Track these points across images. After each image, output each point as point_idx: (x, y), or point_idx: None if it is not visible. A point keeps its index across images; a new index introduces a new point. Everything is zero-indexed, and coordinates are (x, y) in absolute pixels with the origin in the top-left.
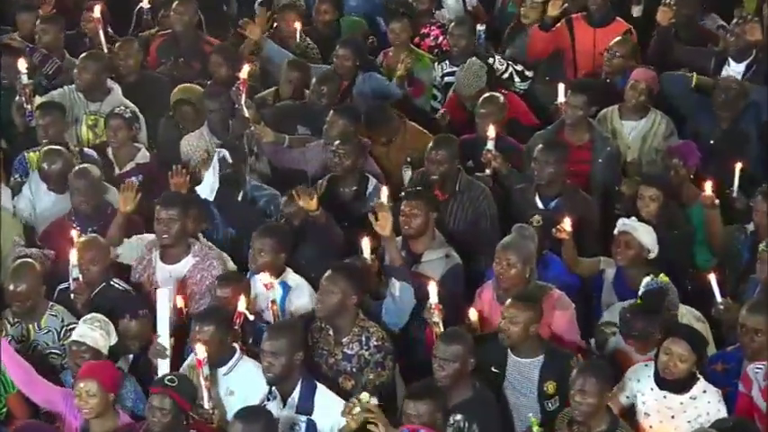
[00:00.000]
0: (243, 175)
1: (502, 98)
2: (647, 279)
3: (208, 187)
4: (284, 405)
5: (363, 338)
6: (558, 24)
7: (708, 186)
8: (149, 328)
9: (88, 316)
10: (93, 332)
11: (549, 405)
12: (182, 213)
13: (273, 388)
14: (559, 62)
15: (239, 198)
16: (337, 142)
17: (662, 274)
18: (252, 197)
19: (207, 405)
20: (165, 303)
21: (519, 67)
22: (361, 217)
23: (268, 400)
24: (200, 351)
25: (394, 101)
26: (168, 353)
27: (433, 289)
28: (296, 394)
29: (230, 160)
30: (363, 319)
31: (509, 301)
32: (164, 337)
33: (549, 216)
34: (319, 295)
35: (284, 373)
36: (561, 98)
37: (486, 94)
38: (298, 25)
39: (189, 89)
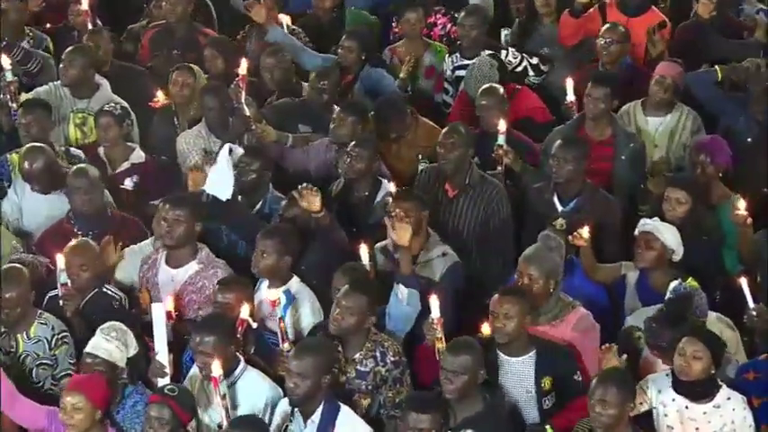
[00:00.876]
0: (266, 184)
1: (501, 89)
2: (674, 283)
3: (222, 185)
4: (305, 426)
5: (378, 354)
6: (591, 10)
7: (741, 204)
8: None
9: (105, 325)
10: (109, 343)
11: (547, 402)
12: (189, 215)
13: (295, 410)
14: (588, 50)
15: (256, 208)
16: (353, 143)
17: (690, 279)
18: (270, 210)
19: (224, 424)
20: (162, 318)
21: (534, 60)
22: (369, 224)
23: (290, 421)
24: (216, 368)
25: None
26: (168, 371)
27: (434, 303)
28: (317, 416)
29: (240, 151)
30: (375, 332)
31: (496, 297)
32: (162, 354)
33: (572, 218)
34: (337, 313)
35: (309, 395)
36: (570, 95)
37: (485, 86)
38: (285, 18)
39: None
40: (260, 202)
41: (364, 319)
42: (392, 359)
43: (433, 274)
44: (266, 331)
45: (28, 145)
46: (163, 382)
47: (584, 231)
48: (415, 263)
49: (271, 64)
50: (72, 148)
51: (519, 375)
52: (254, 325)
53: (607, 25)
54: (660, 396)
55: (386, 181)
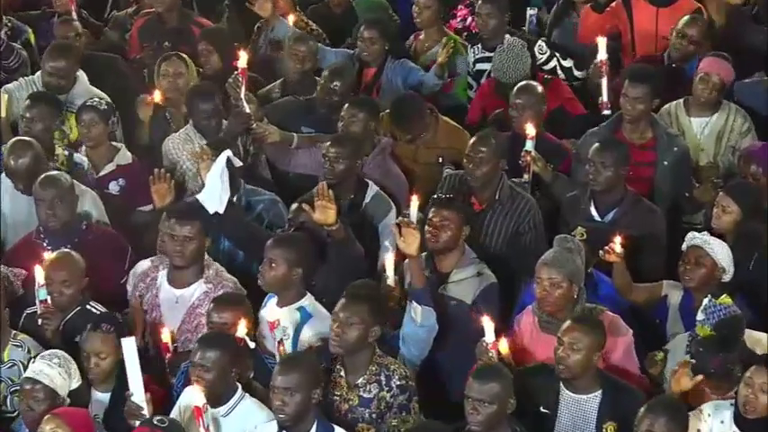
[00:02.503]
0: (238, 179)
1: (540, 87)
2: (705, 301)
3: (215, 197)
4: None
5: (383, 378)
6: (614, 3)
7: None
8: (115, 351)
9: (47, 351)
10: (51, 369)
11: None
12: (200, 231)
13: None
14: (614, 47)
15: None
16: (327, 144)
17: (724, 295)
18: (247, 202)
19: None
20: (134, 354)
21: (567, 63)
22: (358, 231)
23: None
24: (199, 396)
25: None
26: (145, 412)
27: (488, 325)
28: None
29: (238, 163)
30: (381, 354)
31: (568, 323)
32: (137, 395)
33: (597, 228)
34: (336, 328)
35: (299, 413)
36: (602, 54)
37: (522, 83)
38: (290, 19)
39: None
40: (234, 197)
41: (367, 332)
42: (398, 383)
43: (465, 296)
44: (266, 354)
45: (14, 139)
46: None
47: (617, 244)
48: (447, 281)
49: (303, 52)
50: (76, 154)
51: (579, 415)
52: (252, 345)
53: (687, 17)
54: (722, 427)
55: (378, 189)
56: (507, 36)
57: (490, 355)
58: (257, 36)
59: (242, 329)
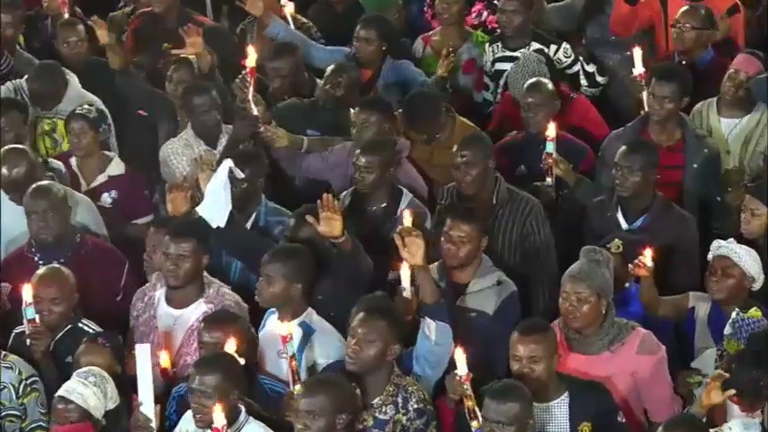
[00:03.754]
0: (259, 194)
1: (551, 84)
2: (733, 315)
3: (217, 210)
4: None
5: (400, 399)
6: None
7: None
8: (110, 367)
9: (83, 369)
10: (86, 389)
11: None
12: (197, 248)
13: None
14: (647, 42)
15: (249, 223)
16: (358, 151)
17: (754, 308)
18: (265, 222)
19: None
20: (147, 362)
21: (590, 68)
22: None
23: None
24: (219, 417)
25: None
26: (154, 424)
27: (460, 356)
28: None
29: (240, 174)
30: (399, 374)
31: (516, 335)
32: (147, 406)
33: (632, 239)
34: (354, 345)
35: None
36: (639, 67)
37: (532, 81)
38: (288, 7)
39: None
40: (253, 216)
41: (386, 350)
42: (415, 406)
43: (485, 306)
44: (263, 375)
45: (7, 147)
46: None
47: (648, 257)
48: (465, 292)
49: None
50: (52, 160)
51: (550, 421)
52: (242, 361)
53: (685, 7)
54: None
55: (412, 196)
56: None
57: (464, 387)
58: (242, 36)
59: (230, 347)
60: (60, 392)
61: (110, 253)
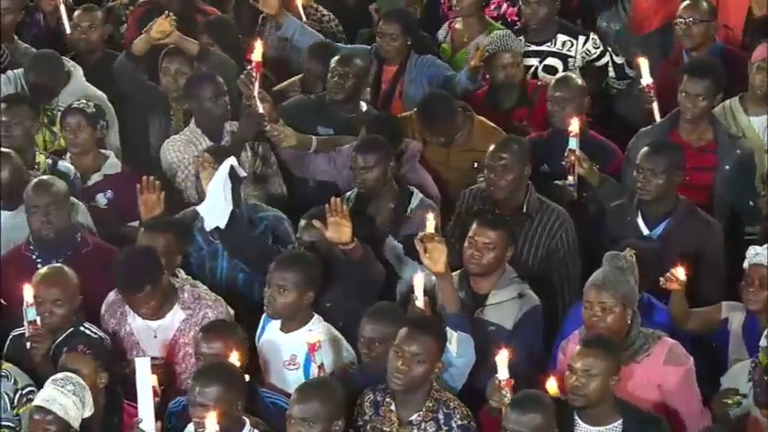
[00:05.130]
0: (238, 193)
1: (580, 79)
2: None
3: (216, 210)
4: None
5: (441, 416)
6: None
7: None
8: (94, 374)
9: (59, 375)
10: (66, 398)
11: None
12: (171, 245)
13: None
14: (669, 37)
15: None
16: (354, 152)
17: None
18: (249, 220)
19: None
20: (146, 375)
21: (619, 59)
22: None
23: None
24: (211, 424)
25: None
26: None
27: (502, 360)
28: None
29: (242, 173)
30: (438, 389)
31: (579, 348)
32: (147, 422)
33: (647, 247)
34: (401, 365)
35: None
36: (646, 77)
37: (561, 75)
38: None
39: None
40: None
41: (433, 368)
42: (459, 422)
43: (504, 320)
44: (264, 389)
45: None
46: None
47: (680, 272)
48: (484, 304)
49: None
50: (61, 162)
51: None
52: (246, 377)
53: (687, 2)
54: None
55: (422, 196)
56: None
57: (503, 393)
58: (263, 26)
59: (234, 360)
60: (38, 402)
61: (111, 253)
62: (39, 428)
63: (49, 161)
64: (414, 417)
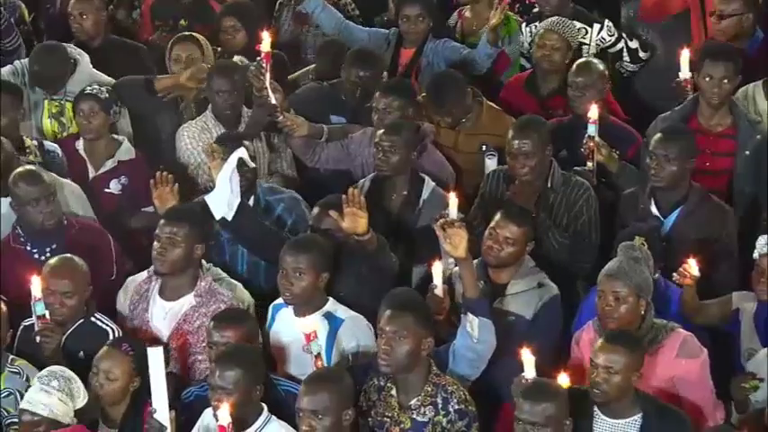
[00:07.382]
0: (251, 182)
1: (602, 65)
2: None
3: (224, 201)
4: None
5: (440, 400)
6: None
7: None
8: (128, 376)
9: (44, 372)
10: (50, 397)
11: None
12: (189, 235)
13: None
14: (682, 25)
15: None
16: (380, 132)
17: None
18: (266, 203)
19: None
20: (160, 366)
21: (634, 44)
22: (413, 232)
23: None
24: (224, 415)
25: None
26: (169, 431)
27: (528, 359)
28: None
29: (251, 164)
30: (437, 373)
31: (601, 342)
32: (161, 412)
33: (651, 227)
34: (384, 345)
35: None
36: (685, 71)
37: (581, 60)
38: None
39: None
40: (251, 199)
41: (419, 344)
42: (456, 407)
43: (524, 310)
44: (276, 376)
45: None
46: None
47: (693, 266)
48: (504, 294)
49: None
50: (47, 142)
51: None
52: None
53: None
54: None
55: (434, 185)
56: (574, 24)
57: None
58: (279, 12)
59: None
60: (23, 405)
61: (96, 231)
62: (29, 430)
63: (35, 143)
64: (413, 401)
